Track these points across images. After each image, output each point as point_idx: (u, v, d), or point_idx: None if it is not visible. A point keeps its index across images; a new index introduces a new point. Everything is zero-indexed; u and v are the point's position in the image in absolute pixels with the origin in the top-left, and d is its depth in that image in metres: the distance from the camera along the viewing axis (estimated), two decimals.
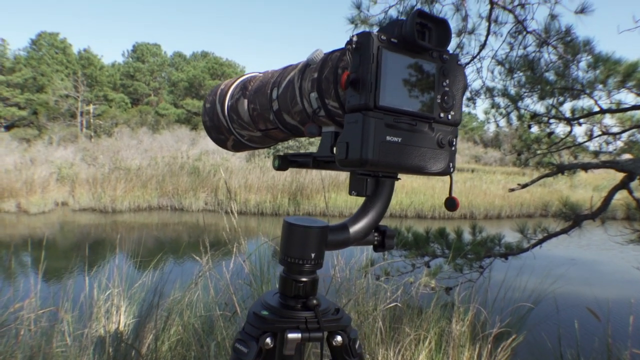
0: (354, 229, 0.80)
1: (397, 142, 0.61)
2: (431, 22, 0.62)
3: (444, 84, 0.64)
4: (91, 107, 34.38)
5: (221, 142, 0.99)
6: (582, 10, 4.08)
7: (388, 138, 0.60)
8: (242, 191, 13.86)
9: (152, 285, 2.67)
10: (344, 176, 15.28)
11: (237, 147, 0.98)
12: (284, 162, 0.81)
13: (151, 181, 14.51)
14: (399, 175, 0.76)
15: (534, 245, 4.64)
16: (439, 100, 0.64)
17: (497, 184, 17.52)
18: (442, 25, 0.63)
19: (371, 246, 0.86)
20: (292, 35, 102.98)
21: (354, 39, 0.60)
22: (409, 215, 13.56)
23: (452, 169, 0.68)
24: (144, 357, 2.03)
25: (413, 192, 14.49)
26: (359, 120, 0.59)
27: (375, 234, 0.83)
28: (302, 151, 0.84)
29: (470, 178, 19.37)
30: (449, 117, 0.65)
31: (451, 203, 0.74)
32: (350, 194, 0.79)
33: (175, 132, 25.32)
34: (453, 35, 4.97)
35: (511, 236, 4.81)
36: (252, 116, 0.86)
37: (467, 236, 4.94)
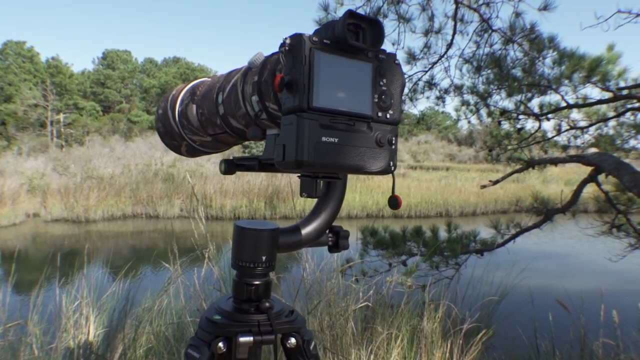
0: (306, 230, 0.80)
1: (334, 142, 0.61)
2: (364, 23, 0.63)
3: (381, 83, 0.65)
4: (61, 116, 33.75)
5: (175, 147, 0.99)
6: (545, 7, 4.16)
7: (324, 139, 0.60)
8: (217, 196, 13.75)
9: (123, 293, 2.63)
10: None
11: (191, 152, 0.98)
12: (230, 166, 0.81)
13: (125, 189, 14.29)
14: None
15: (508, 240, 4.71)
16: (376, 100, 0.65)
17: (472, 181, 17.76)
18: (375, 25, 0.63)
19: (326, 247, 0.86)
20: (263, 38, 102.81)
21: (287, 41, 0.60)
22: (385, 215, 13.63)
23: (393, 168, 0.68)
24: None
25: (389, 192, 14.49)
26: (293, 122, 0.59)
27: (330, 235, 0.84)
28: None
29: (445, 176, 19.60)
30: (387, 116, 0.66)
31: (394, 202, 0.75)
32: (301, 195, 0.80)
33: (149, 139, 24.98)
34: (420, 35, 5.02)
35: (486, 232, 4.88)
36: (201, 121, 0.86)
37: (442, 234, 4.99)
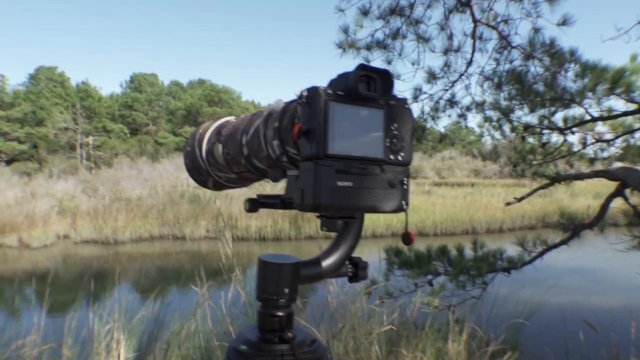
0: (327, 262, 0.84)
1: (349, 186, 0.66)
2: (375, 74, 0.68)
3: (392, 127, 0.69)
4: (90, 139, 34.59)
5: (202, 182, 1.05)
6: (564, 22, 4.15)
7: (339, 183, 0.65)
8: (243, 217, 13.87)
9: (152, 316, 2.69)
10: None
11: (217, 187, 1.03)
12: (254, 204, 0.86)
13: (152, 211, 14.54)
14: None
15: (535, 258, 4.64)
16: (388, 144, 0.69)
17: (498, 196, 17.54)
18: (384, 75, 0.68)
19: (346, 277, 0.90)
20: (286, 60, 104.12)
21: (304, 93, 0.65)
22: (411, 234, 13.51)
23: (405, 207, 0.72)
24: None
25: (414, 210, 14.50)
26: (310, 169, 0.64)
27: (349, 266, 0.88)
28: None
29: (471, 192, 19.40)
30: (399, 158, 0.70)
31: (407, 238, 0.79)
32: (321, 229, 0.84)
33: (175, 161, 25.38)
34: (440, 54, 5.04)
35: (513, 250, 4.82)
36: (227, 160, 0.92)
37: (468, 252, 4.94)
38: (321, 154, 0.63)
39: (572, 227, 4.68)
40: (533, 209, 15.32)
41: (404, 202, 0.72)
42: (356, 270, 0.88)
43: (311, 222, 13.37)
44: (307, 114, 0.65)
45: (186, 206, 14.82)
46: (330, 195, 0.64)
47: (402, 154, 0.71)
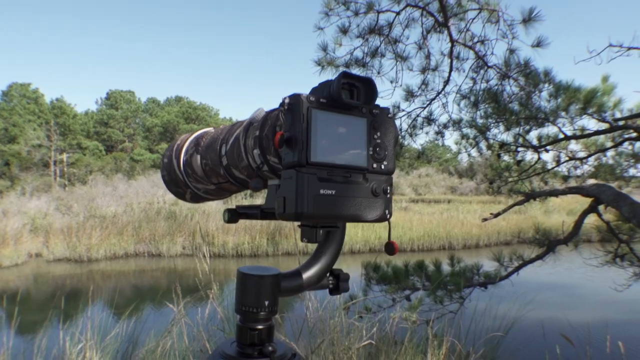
0: (307, 274, 0.83)
1: (331, 194, 0.65)
2: (358, 82, 0.68)
3: (375, 136, 0.69)
4: (64, 156, 34.02)
5: (179, 194, 1.03)
6: (538, 44, 4.26)
7: (322, 191, 0.64)
8: (219, 234, 13.75)
9: (127, 335, 2.63)
10: None
11: (195, 199, 1.02)
12: (233, 215, 0.85)
13: (127, 228, 14.31)
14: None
15: (511, 273, 4.70)
16: (371, 152, 0.69)
17: (474, 213, 17.75)
18: (368, 83, 0.68)
19: (327, 290, 0.89)
20: (264, 78, 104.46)
21: (286, 100, 0.65)
22: None
23: (388, 216, 0.72)
24: None
25: (392, 225, 14.50)
26: (292, 177, 0.63)
27: (330, 278, 0.87)
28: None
29: (447, 209, 19.60)
30: (382, 167, 0.70)
31: (390, 248, 0.78)
32: (302, 241, 0.83)
33: (151, 177, 25.10)
34: (417, 72, 5.12)
35: (489, 265, 4.87)
36: (205, 170, 0.90)
37: (446, 267, 4.98)
38: (303, 161, 0.63)
39: (547, 243, 4.75)
40: (508, 225, 15.53)
41: (387, 211, 0.71)
42: (337, 282, 0.87)
43: (289, 239, 13.31)
44: (289, 122, 0.64)
45: (162, 223, 14.63)
46: (313, 203, 0.63)
47: (385, 162, 0.71)
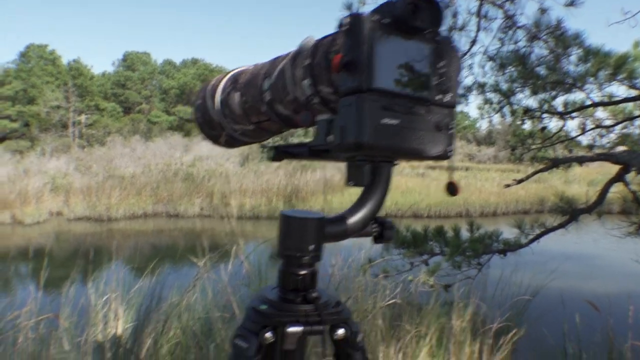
0: (352, 220, 0.78)
1: (394, 124, 0.59)
2: (424, 3, 0.61)
3: (439, 65, 0.63)
4: (83, 117, 34.26)
5: (214, 138, 0.98)
6: (571, 3, 4.07)
7: (384, 120, 0.58)
8: (237, 195, 13.83)
9: (150, 289, 2.65)
10: (338, 177, 15.27)
11: (230, 142, 0.97)
12: (278, 154, 0.79)
13: (145, 188, 14.47)
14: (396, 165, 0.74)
15: (532, 240, 4.62)
16: (435, 82, 0.63)
17: (492, 181, 17.57)
18: (434, 5, 0.62)
19: (370, 239, 0.85)
20: (282, 38, 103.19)
21: (346, 21, 0.58)
22: (406, 215, 13.57)
23: (450, 153, 0.66)
24: None
25: (408, 192, 14.52)
26: (353, 103, 0.58)
27: (374, 226, 0.82)
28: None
29: (465, 176, 19.43)
30: (446, 99, 0.64)
31: (452, 188, 0.73)
32: (347, 184, 0.78)
33: (168, 139, 25.23)
34: (444, 32, 4.99)
35: (508, 232, 4.80)
36: (244, 109, 0.85)
37: (464, 233, 4.93)
38: (365, 87, 0.57)
39: (571, 211, 4.66)
40: (527, 194, 15.37)
41: (449, 148, 0.66)
42: (382, 230, 0.83)
43: (305, 202, 13.34)
44: (348, 44, 0.58)
45: (180, 184, 14.77)
46: (375, 133, 0.58)
47: (449, 94, 0.65)
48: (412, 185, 15.27)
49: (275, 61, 0.80)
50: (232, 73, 0.93)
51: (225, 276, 2.33)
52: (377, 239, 0.83)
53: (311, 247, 0.74)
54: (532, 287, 3.19)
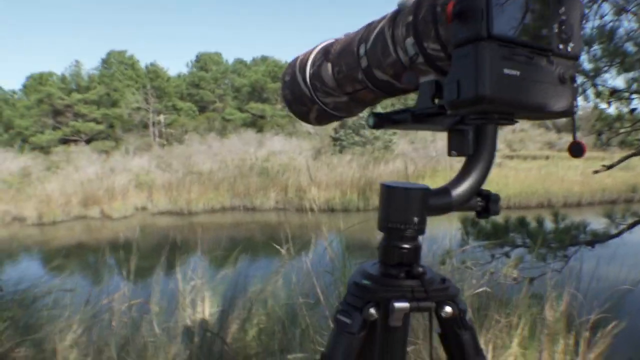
0: (457, 192, 0.73)
1: (516, 75, 0.54)
2: None
3: (560, 12, 0.57)
4: (162, 117, 35.84)
5: (303, 114, 0.95)
6: None
7: (506, 71, 0.53)
8: (310, 189, 13.96)
9: (234, 277, 2.70)
10: (412, 169, 15.02)
11: (321, 118, 0.94)
12: (379, 120, 0.75)
13: (223, 183, 14.96)
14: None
15: (623, 231, 4.32)
16: (556, 31, 0.57)
17: (575, 169, 16.55)
18: None
19: (473, 214, 0.79)
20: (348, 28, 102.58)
21: None
22: None
23: (576, 108, 0.60)
24: (229, 345, 2.05)
25: (486, 182, 14.00)
26: (470, 53, 0.53)
27: (478, 199, 0.77)
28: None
29: (545, 165, 18.46)
30: (569, 49, 0.58)
31: (577, 148, 0.66)
32: (449, 154, 0.74)
33: (242, 136, 25.89)
34: None
35: (595, 223, 4.51)
36: (338, 79, 0.82)
37: (548, 224, 4.68)
38: (484, 34, 0.52)
39: None
40: (615, 182, 14.37)
41: (575, 103, 0.59)
42: (487, 203, 0.77)
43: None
44: None
45: (255, 179, 15.15)
46: (496, 84, 0.52)
47: (571, 44, 0.58)
48: (489, 176, 14.76)
49: (370, 26, 0.76)
50: (322, 45, 0.90)
51: (308, 263, 2.33)
52: (481, 213, 0.78)
53: (415, 218, 0.70)
54: (630, 279, 2.96)
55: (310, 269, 2.28)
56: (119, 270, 2.49)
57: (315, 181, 14.02)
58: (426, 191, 0.71)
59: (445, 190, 0.73)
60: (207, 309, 2.27)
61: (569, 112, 0.60)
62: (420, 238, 0.75)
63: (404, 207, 0.70)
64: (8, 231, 12.40)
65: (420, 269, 0.71)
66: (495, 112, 0.62)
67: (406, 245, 0.72)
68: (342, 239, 2.47)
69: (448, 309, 0.72)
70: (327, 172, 14.83)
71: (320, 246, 2.68)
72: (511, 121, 0.67)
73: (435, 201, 0.72)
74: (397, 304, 0.67)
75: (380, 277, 0.72)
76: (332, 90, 0.84)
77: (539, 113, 0.59)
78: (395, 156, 19.30)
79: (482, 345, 2.02)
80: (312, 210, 12.60)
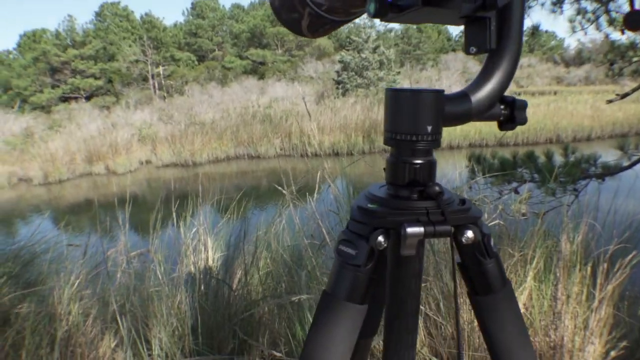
0: (477, 97, 0.61)
1: None
2: None
3: None
4: (161, 69, 35.30)
5: (294, 23, 0.81)
6: None
7: None
8: (315, 133, 13.84)
9: (237, 223, 2.64)
10: None
11: (314, 25, 0.80)
12: (382, 6, 0.62)
13: (226, 132, 14.86)
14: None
15: (635, 162, 4.19)
16: None
17: (585, 103, 16.23)
18: None
19: (495, 124, 0.67)
20: None
21: None
22: (489, 144, 12.97)
23: None
24: (235, 291, 1.99)
25: (487, 123, 13.79)
26: None
27: (501, 107, 0.64)
28: None
29: (554, 100, 18.09)
30: None
31: (635, 18, 0.53)
32: (467, 52, 0.61)
33: (243, 83, 25.54)
34: None
35: (606, 156, 4.39)
36: None
37: (557, 159, 4.56)
38: None
39: None
40: (625, 116, 14.12)
41: None
42: (511, 111, 0.65)
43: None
44: None
45: (258, 126, 15.02)
46: None
47: None
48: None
49: None
50: None
51: (312, 204, 2.24)
52: (505, 123, 0.66)
53: (429, 127, 0.59)
54: None
55: (315, 209, 2.19)
56: (125, 224, 2.41)
57: (319, 126, 13.85)
58: (441, 95, 0.59)
59: (463, 95, 0.61)
60: (210, 255, 2.20)
61: None
62: (434, 153, 0.63)
63: (414, 114, 0.58)
64: (16, 192, 12.45)
65: (437, 188, 0.60)
66: None
67: (419, 161, 0.60)
68: (346, 177, 2.37)
69: (469, 233, 0.60)
70: (331, 116, 14.63)
71: (324, 188, 2.58)
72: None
73: (452, 108, 0.60)
74: (410, 229, 0.56)
75: (389, 199, 0.61)
76: None
77: None
78: None
79: None
80: (317, 155, 12.56)
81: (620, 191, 3.74)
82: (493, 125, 0.66)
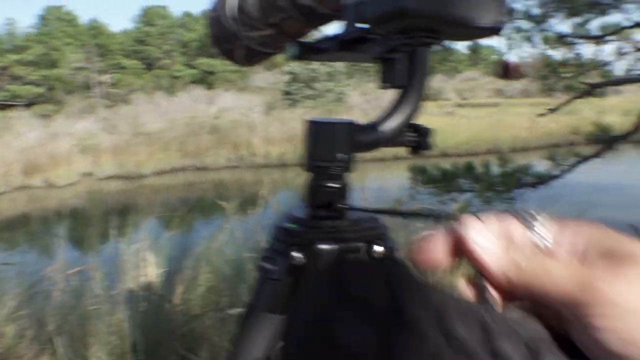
0: (386, 126, 0.68)
1: None
2: None
3: None
4: (107, 77, 34.42)
5: (229, 53, 0.87)
6: None
7: None
8: (263, 144, 13.87)
9: (180, 238, 2.63)
10: (367, 120, 15.04)
11: (249, 56, 0.86)
12: (303, 50, 0.67)
13: (172, 143, 14.64)
14: None
15: (566, 171, 4.47)
16: None
17: (522, 116, 17.05)
18: None
19: (406, 151, 0.74)
20: None
21: None
22: (432, 155, 13.37)
23: (503, 25, 0.55)
24: (176, 306, 1.99)
25: (437, 131, 14.21)
26: None
27: (414, 134, 0.71)
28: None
29: (495, 112, 18.88)
30: None
31: (505, 68, 0.61)
32: (381, 87, 0.68)
33: (192, 93, 25.22)
34: None
35: (541, 166, 4.65)
36: (263, 8, 0.74)
37: (494, 169, 4.79)
38: None
39: (607, 139, 4.46)
40: (559, 127, 14.89)
41: (501, 18, 0.54)
42: (420, 138, 0.72)
43: None
44: None
45: (206, 137, 14.86)
46: None
47: None
48: (440, 125, 14.99)
49: None
50: None
51: (254, 219, 2.28)
52: (416, 148, 0.73)
53: (341, 155, 0.65)
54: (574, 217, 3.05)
55: (256, 223, 2.23)
56: (63, 240, 2.36)
57: (267, 136, 13.89)
58: (351, 125, 0.66)
59: (373, 125, 0.68)
60: (151, 271, 2.19)
61: (497, 28, 0.54)
62: (347, 177, 0.70)
63: (328, 143, 0.64)
64: None
65: (345, 207, 0.66)
66: (417, 30, 0.57)
67: (332, 184, 0.66)
68: (292, 188, 2.42)
69: (378, 248, 0.67)
70: (280, 127, 14.68)
71: (268, 201, 2.62)
72: (437, 40, 0.61)
73: (362, 136, 0.67)
74: (324, 246, 0.62)
75: (305, 219, 0.67)
76: (256, 21, 0.77)
77: (464, 27, 0.53)
78: (348, 108, 19.34)
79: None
80: (266, 166, 12.57)
81: (552, 198, 3.98)
82: (437, 136, 0.72)
